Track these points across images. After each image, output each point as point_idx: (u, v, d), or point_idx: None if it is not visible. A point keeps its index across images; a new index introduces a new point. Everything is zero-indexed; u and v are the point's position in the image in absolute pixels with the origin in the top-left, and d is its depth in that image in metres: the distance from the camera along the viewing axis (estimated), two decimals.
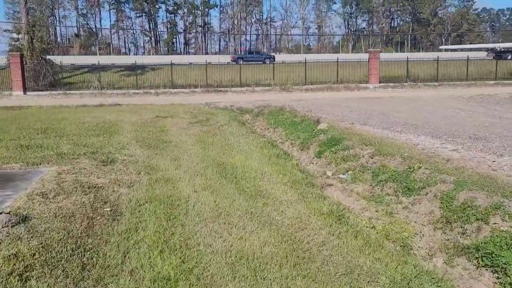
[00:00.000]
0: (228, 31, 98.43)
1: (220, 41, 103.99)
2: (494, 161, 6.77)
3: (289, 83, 29.41)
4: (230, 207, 4.93)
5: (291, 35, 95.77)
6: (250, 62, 43.21)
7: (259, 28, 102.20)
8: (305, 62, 30.23)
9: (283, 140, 11.50)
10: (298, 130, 11.54)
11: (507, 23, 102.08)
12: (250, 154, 7.57)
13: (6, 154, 6.91)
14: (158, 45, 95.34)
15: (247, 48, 76.28)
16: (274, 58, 47.42)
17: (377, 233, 4.90)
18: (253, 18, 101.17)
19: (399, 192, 6.17)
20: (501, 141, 8.36)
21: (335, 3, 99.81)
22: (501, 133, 9.21)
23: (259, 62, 44.23)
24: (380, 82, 29.20)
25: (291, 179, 6.20)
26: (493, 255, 4.20)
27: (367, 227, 4.99)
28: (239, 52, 74.46)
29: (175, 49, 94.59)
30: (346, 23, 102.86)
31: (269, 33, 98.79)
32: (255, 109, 16.79)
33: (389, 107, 14.96)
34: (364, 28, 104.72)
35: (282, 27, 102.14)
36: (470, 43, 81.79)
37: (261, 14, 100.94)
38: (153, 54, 76.05)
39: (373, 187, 6.69)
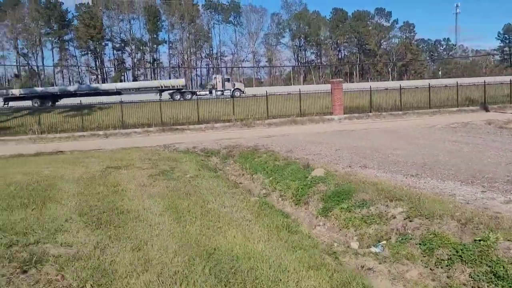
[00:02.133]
0: (179, 66, 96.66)
1: (170, 76, 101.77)
2: None
3: (251, 118, 27.59)
4: None
5: (242, 67, 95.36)
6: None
7: (210, 62, 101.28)
8: (267, 95, 28.60)
9: (268, 191, 9.36)
10: (285, 177, 9.47)
11: (444, 52, 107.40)
12: (246, 228, 5.34)
13: None
14: (106, 83, 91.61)
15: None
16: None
17: None
18: (203, 53, 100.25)
19: (482, 280, 4.18)
20: None
21: (284, 37, 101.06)
22: None
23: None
24: (344, 113, 28.07)
25: (330, 277, 4.03)
26: None
27: None
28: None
29: None
30: (295, 55, 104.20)
31: (219, 67, 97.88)
32: (223, 150, 14.64)
33: (376, 142, 13.31)
34: (313, 60, 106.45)
35: (233, 61, 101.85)
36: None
37: (211, 49, 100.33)
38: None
39: (432, 270, 4.67)
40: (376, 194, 6.71)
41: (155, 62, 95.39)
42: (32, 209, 6.21)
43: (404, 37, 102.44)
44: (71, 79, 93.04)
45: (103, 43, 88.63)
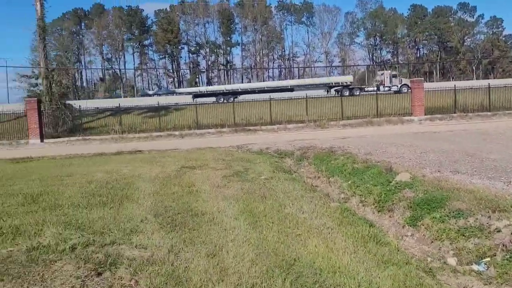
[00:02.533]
0: (251, 68, 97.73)
1: (242, 78, 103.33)
2: None
3: (324, 118, 26.88)
4: None
5: (314, 67, 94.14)
6: None
7: (282, 63, 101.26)
8: (341, 95, 27.67)
9: (347, 195, 8.78)
10: (365, 181, 8.82)
11: None
12: (328, 237, 4.87)
13: None
14: (182, 85, 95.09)
15: None
16: None
17: None
18: (275, 54, 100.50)
19: None
20: None
21: (358, 36, 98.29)
22: None
23: None
24: (424, 114, 26.38)
25: None
26: None
27: None
28: None
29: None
30: (370, 55, 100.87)
31: (292, 68, 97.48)
32: (296, 152, 14.21)
33: (466, 145, 12.13)
34: (389, 59, 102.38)
35: (305, 62, 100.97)
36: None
37: (283, 50, 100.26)
38: (176, 95, 75.22)
39: None
40: (474, 204, 5.91)
41: (228, 64, 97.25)
42: (110, 207, 6.22)
43: (491, 33, 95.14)
44: (149, 82, 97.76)
45: (179, 47, 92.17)
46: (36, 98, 25.45)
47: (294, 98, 31.87)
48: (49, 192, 7.60)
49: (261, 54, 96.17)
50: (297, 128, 25.74)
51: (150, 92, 64.35)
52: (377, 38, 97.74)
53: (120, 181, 8.66)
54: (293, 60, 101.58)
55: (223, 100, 41.99)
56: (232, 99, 40.47)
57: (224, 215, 5.75)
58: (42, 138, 24.50)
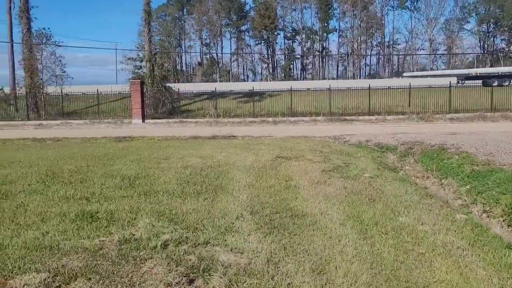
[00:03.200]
0: (347, 54, 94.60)
1: (338, 66, 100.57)
2: None
3: (429, 111, 24.72)
4: None
5: (416, 54, 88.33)
6: None
7: (381, 51, 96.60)
8: (450, 86, 25.25)
9: (465, 202, 7.57)
10: (489, 187, 7.53)
11: None
12: (461, 261, 3.94)
13: (40, 240, 4.18)
14: (275, 71, 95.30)
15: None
16: None
17: None
18: (374, 41, 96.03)
19: None
20: None
21: (468, 22, 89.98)
22: None
23: None
24: None
25: None
26: None
27: None
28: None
29: (291, 75, 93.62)
30: (481, 43, 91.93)
31: (391, 55, 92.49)
32: (400, 147, 12.96)
33: None
34: (503, 48, 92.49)
35: (406, 50, 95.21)
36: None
37: (382, 37, 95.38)
38: (269, 81, 75.32)
39: None
40: None
41: (324, 50, 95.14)
42: (204, 198, 5.84)
43: None
44: (244, 67, 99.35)
45: (275, 33, 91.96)
46: (139, 80, 26.71)
47: (394, 88, 29.79)
48: (145, 175, 7.51)
49: (359, 40, 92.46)
50: (397, 120, 23.99)
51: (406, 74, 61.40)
52: (491, 25, 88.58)
53: (214, 168, 8.35)
54: (393, 47, 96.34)
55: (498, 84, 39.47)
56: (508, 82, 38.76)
57: (327, 219, 5.05)
58: (143, 118, 25.70)
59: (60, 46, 30.66)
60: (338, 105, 27.63)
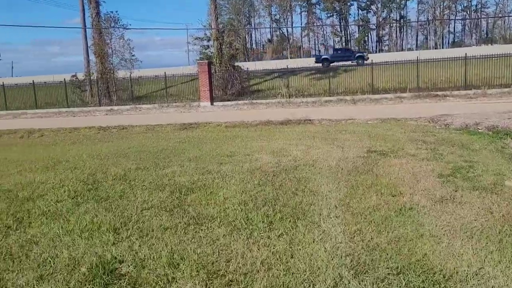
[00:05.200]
0: (428, 23, 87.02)
1: (417, 35, 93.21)
2: None
3: None
4: None
5: (508, 16, 78.88)
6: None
7: (467, 16, 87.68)
8: None
9: None
10: None
11: None
12: None
13: None
14: (349, 45, 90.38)
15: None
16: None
17: None
18: (459, 6, 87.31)
19: None
20: None
21: None
22: None
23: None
24: None
25: None
26: None
27: None
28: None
29: (366, 47, 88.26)
30: None
31: (479, 18, 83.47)
32: None
33: None
34: None
35: (496, 14, 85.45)
36: None
37: (469, 1, 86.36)
38: None
39: None
40: None
41: (402, 19, 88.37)
42: (278, 235, 3.92)
43: None
44: (316, 42, 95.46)
45: (348, 3, 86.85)
46: (207, 61, 25.32)
47: (492, 56, 25.50)
48: (201, 186, 5.77)
49: (441, 6, 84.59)
50: (502, 95, 20.31)
51: None
52: None
53: (290, 172, 6.42)
54: (481, 12, 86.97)
55: None
56: None
57: None
58: (212, 101, 24.36)
59: (127, 29, 30.05)
60: (425, 79, 24.29)
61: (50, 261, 3.58)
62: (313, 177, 6.09)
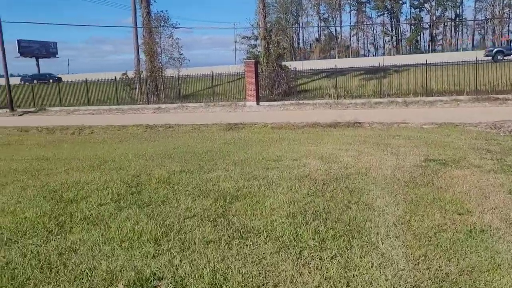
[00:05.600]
0: (486, 21, 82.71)
1: (474, 34, 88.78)
2: None
3: None
4: None
5: None
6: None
7: None
8: None
9: None
10: None
11: None
12: None
13: None
14: (400, 44, 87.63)
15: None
16: None
17: None
18: None
19: None
20: None
21: None
22: None
23: None
24: None
25: None
26: None
27: None
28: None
29: (418, 47, 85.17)
30: None
31: None
32: None
33: None
34: None
35: None
36: None
37: None
38: (393, 54, 68.84)
39: None
40: None
41: (457, 18, 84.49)
42: (331, 256, 3.52)
43: None
44: (365, 41, 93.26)
45: (400, 1, 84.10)
46: (253, 60, 25.10)
47: None
48: (247, 194, 5.46)
49: (501, 4, 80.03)
50: None
51: None
52: None
53: (342, 181, 5.98)
54: None
55: None
56: None
57: None
58: (258, 100, 24.11)
59: (176, 28, 30.45)
60: (483, 82, 22.84)
61: (87, 273, 3.38)
62: (367, 187, 5.62)
